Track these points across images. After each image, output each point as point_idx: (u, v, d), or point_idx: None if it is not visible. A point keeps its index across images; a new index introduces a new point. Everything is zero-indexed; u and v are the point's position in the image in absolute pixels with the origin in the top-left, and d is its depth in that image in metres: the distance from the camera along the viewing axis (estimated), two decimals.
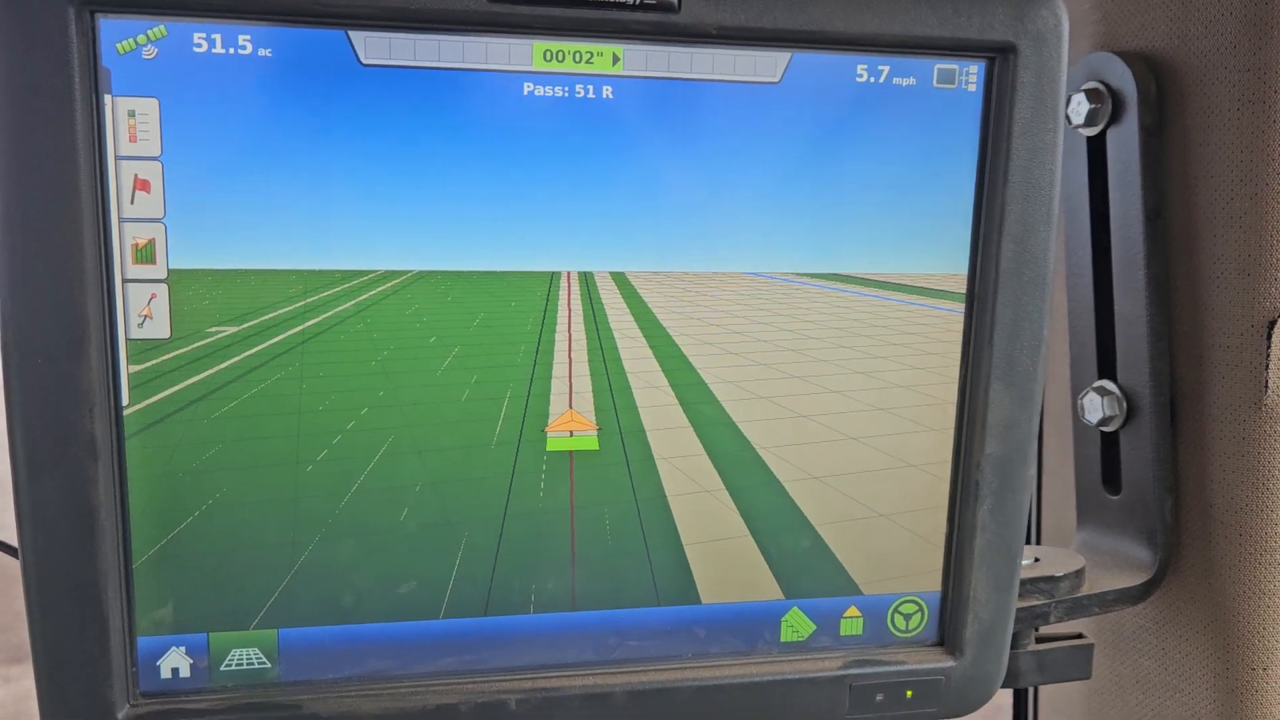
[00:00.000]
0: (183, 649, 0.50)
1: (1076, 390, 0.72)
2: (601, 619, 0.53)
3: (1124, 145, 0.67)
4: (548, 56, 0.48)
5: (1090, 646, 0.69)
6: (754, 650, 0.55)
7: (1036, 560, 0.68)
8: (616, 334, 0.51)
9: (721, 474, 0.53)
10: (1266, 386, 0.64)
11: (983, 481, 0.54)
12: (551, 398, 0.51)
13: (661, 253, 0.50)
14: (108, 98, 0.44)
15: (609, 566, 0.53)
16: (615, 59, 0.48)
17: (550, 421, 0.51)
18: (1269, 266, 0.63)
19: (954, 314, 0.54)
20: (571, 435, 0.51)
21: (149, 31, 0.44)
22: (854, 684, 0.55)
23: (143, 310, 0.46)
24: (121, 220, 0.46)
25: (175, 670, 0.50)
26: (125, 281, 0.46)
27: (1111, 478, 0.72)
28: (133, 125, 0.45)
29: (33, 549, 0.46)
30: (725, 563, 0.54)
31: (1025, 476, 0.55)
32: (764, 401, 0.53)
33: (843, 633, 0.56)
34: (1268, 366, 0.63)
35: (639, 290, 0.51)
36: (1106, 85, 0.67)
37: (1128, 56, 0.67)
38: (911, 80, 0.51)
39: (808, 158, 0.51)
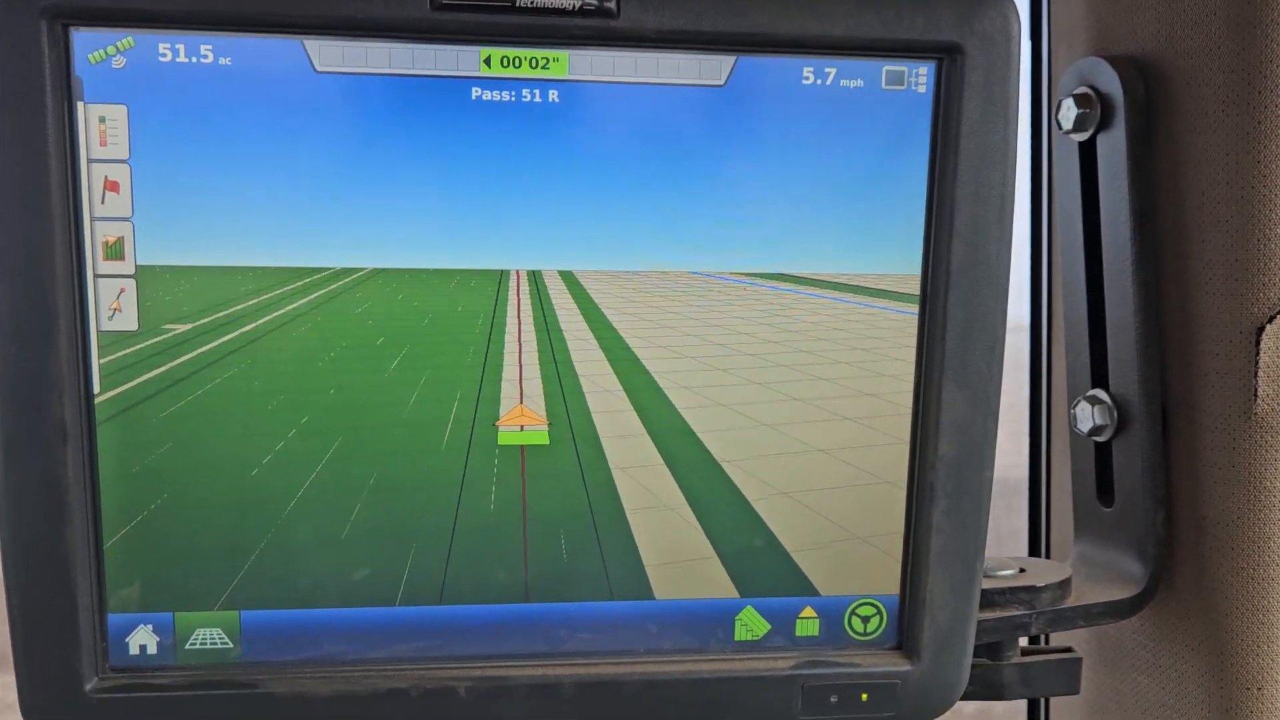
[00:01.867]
0: (150, 627, 0.52)
1: (1071, 399, 0.71)
2: (553, 611, 0.55)
3: (1113, 150, 0.67)
4: (493, 62, 0.50)
5: (1078, 661, 0.68)
6: (707, 648, 0.56)
7: (1022, 570, 0.67)
8: (567, 334, 0.52)
9: (676, 477, 0.54)
10: (1256, 395, 0.62)
11: (937, 483, 0.54)
12: (502, 398, 0.52)
13: (609, 251, 0.52)
14: (80, 105, 0.48)
15: (561, 559, 0.54)
16: (559, 64, 0.50)
17: (501, 416, 0.53)
18: (1256, 271, 0.61)
19: (912, 315, 0.54)
20: (522, 430, 0.53)
21: (118, 43, 0.47)
22: (806, 684, 0.55)
23: (112, 304, 0.49)
24: (93, 219, 0.49)
25: (143, 647, 0.53)
26: (96, 276, 0.49)
27: (1105, 489, 0.71)
28: (103, 130, 0.48)
29: (8, 527, 0.49)
30: (679, 559, 0.55)
31: (982, 479, 0.55)
32: (721, 408, 0.54)
33: (798, 633, 0.57)
34: (1257, 374, 0.62)
35: (588, 289, 0.52)
36: (1096, 90, 0.67)
37: (1116, 60, 0.66)
38: (859, 82, 0.52)
39: (755, 159, 0.52)
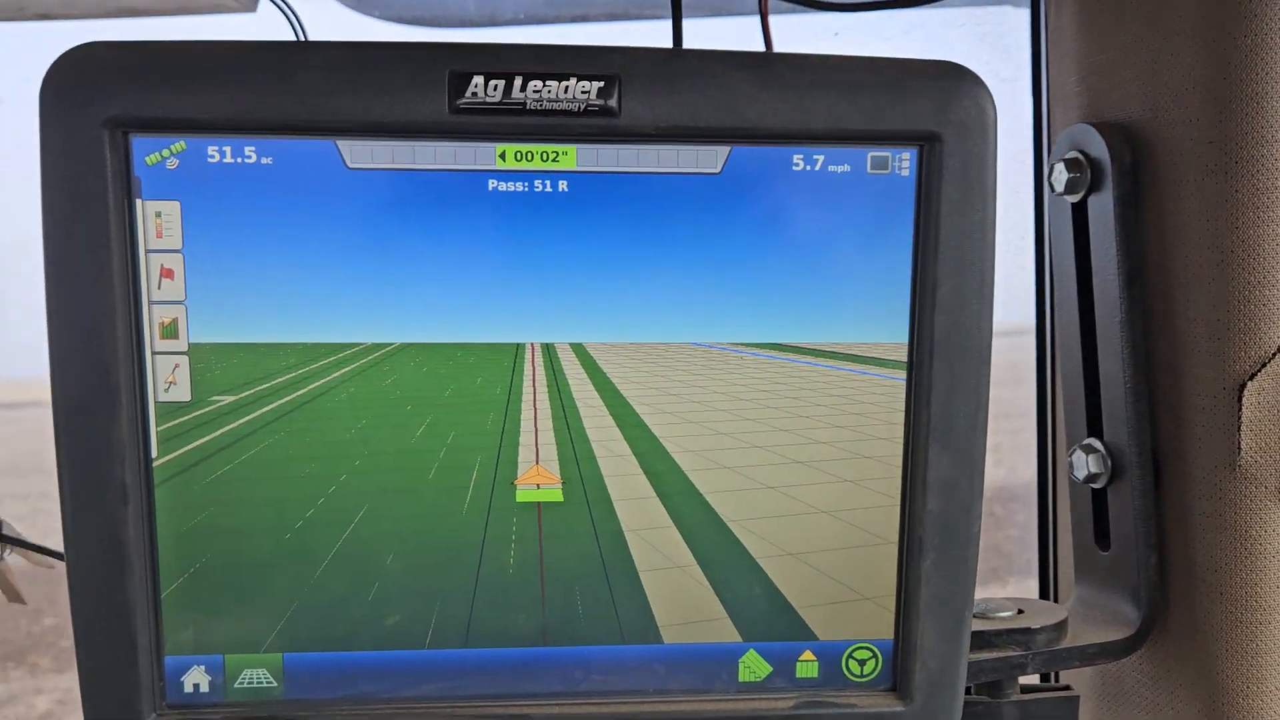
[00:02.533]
0: (202, 668, 0.58)
1: (1069, 447, 0.75)
2: (569, 654, 0.59)
3: (1103, 212, 0.70)
4: (507, 156, 0.55)
5: (1075, 699, 0.71)
6: (712, 688, 0.60)
7: (1020, 611, 0.71)
8: (579, 401, 0.57)
9: (685, 537, 0.59)
10: (1240, 449, 0.65)
11: (925, 537, 0.58)
12: (519, 461, 0.57)
13: (615, 325, 0.56)
14: (138, 202, 0.53)
15: (576, 607, 0.59)
16: (568, 157, 0.55)
17: (519, 476, 0.57)
18: (1237, 331, 0.64)
19: (902, 381, 0.58)
20: (539, 488, 0.58)
21: (171, 146, 0.53)
22: None
23: (168, 378, 0.55)
24: (151, 303, 0.54)
25: (196, 686, 0.58)
26: (154, 353, 0.55)
27: (1102, 533, 0.74)
28: (159, 224, 0.54)
29: (76, 577, 0.55)
30: (686, 608, 0.60)
31: (969, 533, 0.58)
32: (726, 471, 0.59)
33: (799, 675, 0.61)
34: (1240, 429, 0.65)
35: (597, 360, 0.57)
36: (1086, 155, 0.71)
37: (1105, 128, 0.70)
38: (846, 167, 0.56)
39: (750, 239, 0.56)
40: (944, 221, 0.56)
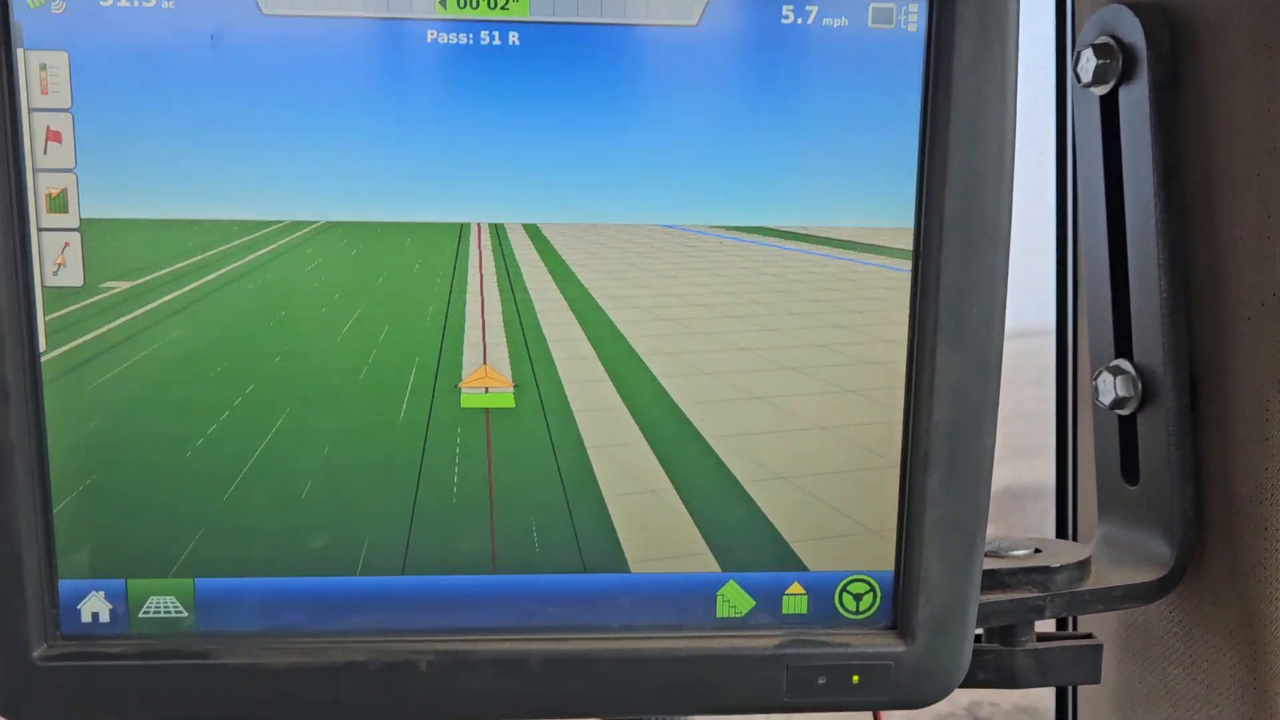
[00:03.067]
0: (102, 594, 0.51)
1: (1093, 370, 0.67)
2: (520, 583, 0.52)
3: (1136, 103, 0.62)
4: (448, 3, 0.47)
5: (1098, 648, 0.63)
6: (685, 624, 0.53)
7: (1037, 551, 0.63)
8: (533, 293, 0.49)
9: (658, 454, 0.51)
10: None
11: (932, 451, 0.51)
12: (465, 362, 0.50)
13: (575, 204, 0.49)
14: (20, 51, 0.46)
15: (530, 531, 0.52)
16: (519, 3, 0.47)
17: (464, 378, 0.50)
18: None
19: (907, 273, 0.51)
20: (487, 392, 0.50)
21: None
22: (792, 664, 0.52)
23: (57, 259, 0.48)
24: (35, 170, 0.47)
25: (95, 615, 0.51)
26: (40, 230, 0.47)
27: (1130, 466, 0.66)
28: (44, 78, 0.46)
29: None
30: (656, 530, 0.52)
31: (982, 447, 0.51)
32: (707, 378, 0.51)
33: (785, 611, 0.53)
34: None
35: (553, 242, 0.49)
36: (1118, 40, 0.63)
37: (1140, 7, 0.62)
38: (844, 20, 0.48)
39: (732, 105, 0.49)
40: (958, 84, 0.48)
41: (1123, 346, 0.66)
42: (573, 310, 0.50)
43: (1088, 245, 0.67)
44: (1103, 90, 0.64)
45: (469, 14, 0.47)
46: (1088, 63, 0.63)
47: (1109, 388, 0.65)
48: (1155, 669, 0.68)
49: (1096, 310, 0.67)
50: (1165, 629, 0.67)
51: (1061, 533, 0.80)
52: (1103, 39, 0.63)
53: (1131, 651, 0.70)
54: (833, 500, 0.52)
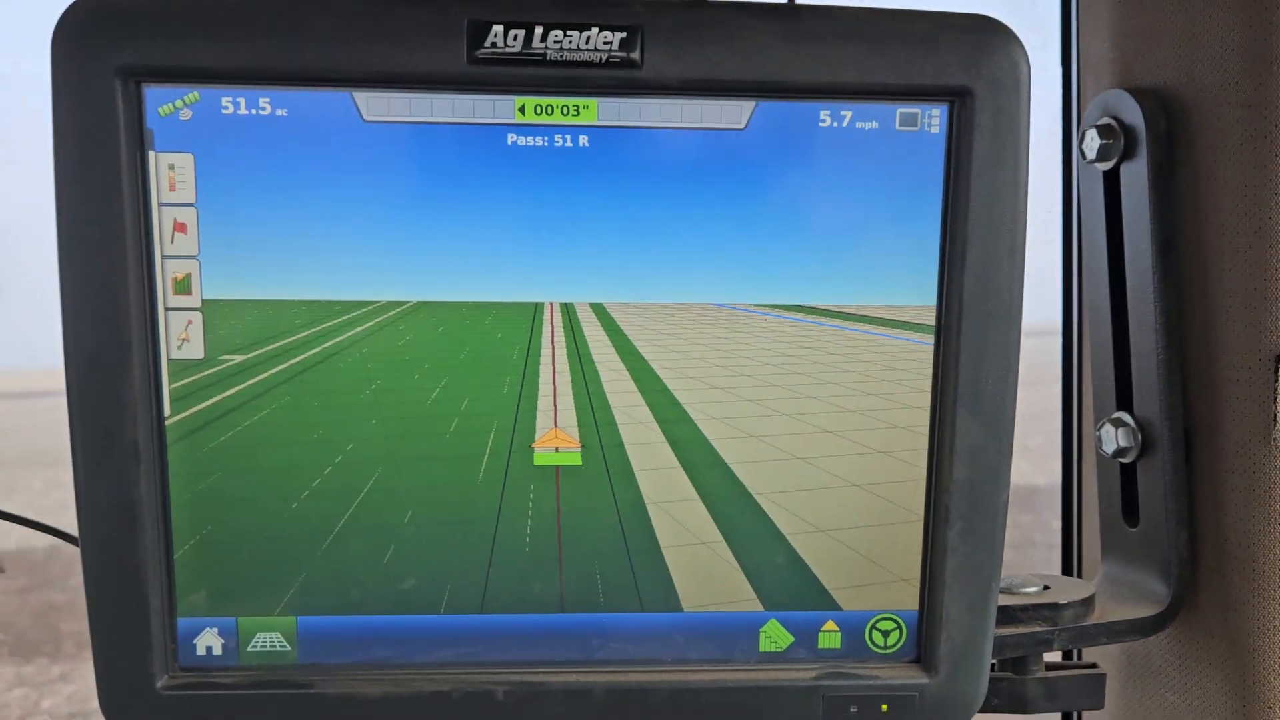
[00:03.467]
0: (215, 630, 0.57)
1: (1097, 421, 0.73)
2: (586, 621, 0.58)
3: (1136, 180, 0.68)
4: (527, 110, 0.53)
5: (1102, 676, 0.69)
6: (732, 658, 0.59)
7: (1046, 588, 0.69)
8: (599, 364, 0.56)
9: (709, 509, 0.58)
10: (1276, 420, 0.63)
11: (952, 506, 0.57)
12: (537, 426, 0.56)
13: (636, 285, 0.55)
14: (151, 154, 0.52)
15: (594, 573, 0.58)
16: (589, 111, 0.54)
17: (536, 439, 0.56)
18: (1274, 300, 0.63)
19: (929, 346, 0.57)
20: (557, 451, 0.57)
21: (185, 97, 0.52)
22: (827, 694, 0.58)
23: (181, 334, 0.54)
24: (164, 257, 0.53)
25: (209, 649, 0.57)
26: (167, 310, 0.54)
27: (1130, 509, 0.73)
28: (172, 177, 0.53)
29: (88, 539, 0.54)
30: (706, 577, 0.58)
31: (996, 502, 0.57)
32: (753, 440, 0.57)
33: (821, 646, 0.59)
34: (1276, 400, 0.63)
35: (617, 319, 0.55)
36: (1119, 121, 0.69)
37: (1139, 93, 0.68)
38: (874, 124, 0.55)
39: (774, 198, 0.55)
40: (975, 180, 0.54)
41: (1124, 400, 0.72)
42: (634, 379, 0.56)
43: (1092, 306, 0.74)
44: (1106, 166, 0.70)
45: (545, 119, 0.54)
46: (1091, 141, 0.70)
47: (1111, 438, 0.71)
48: (1155, 696, 0.74)
49: (1100, 366, 0.73)
50: (1163, 659, 0.73)
51: (1067, 570, 0.86)
52: (1105, 120, 0.70)
53: (1133, 680, 0.76)
54: (864, 548, 0.58)
